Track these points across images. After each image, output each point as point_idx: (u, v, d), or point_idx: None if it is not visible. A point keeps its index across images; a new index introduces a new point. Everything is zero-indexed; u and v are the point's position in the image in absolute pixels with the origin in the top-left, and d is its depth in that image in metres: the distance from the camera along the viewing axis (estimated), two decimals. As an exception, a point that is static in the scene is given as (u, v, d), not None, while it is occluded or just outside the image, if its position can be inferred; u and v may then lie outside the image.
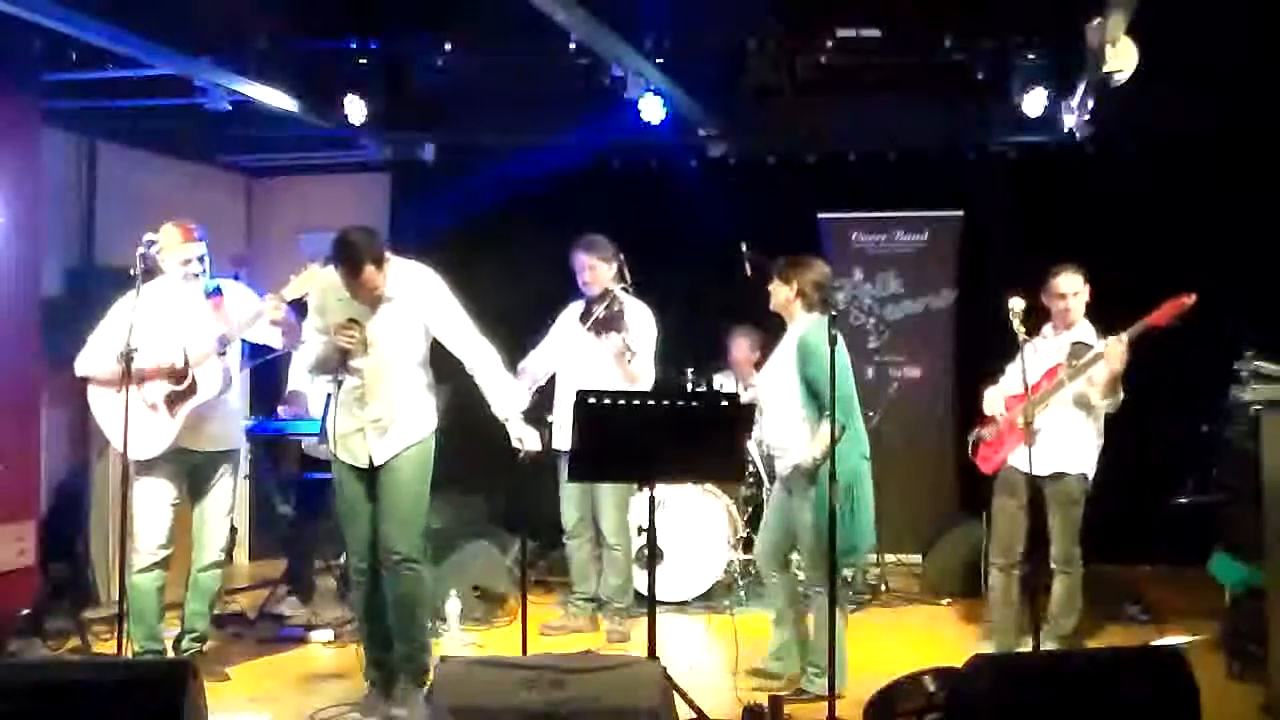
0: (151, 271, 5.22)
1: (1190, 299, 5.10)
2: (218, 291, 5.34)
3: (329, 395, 6.19)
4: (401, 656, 4.93)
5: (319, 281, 4.96)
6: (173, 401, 5.19)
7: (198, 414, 5.23)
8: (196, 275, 5.28)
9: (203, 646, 5.44)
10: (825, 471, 4.69)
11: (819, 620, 5.03)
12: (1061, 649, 5.31)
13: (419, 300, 4.88)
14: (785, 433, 5.05)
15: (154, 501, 5.23)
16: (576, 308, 6.34)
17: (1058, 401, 5.37)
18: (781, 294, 5.14)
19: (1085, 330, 5.50)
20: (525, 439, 4.90)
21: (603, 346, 6.07)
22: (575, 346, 6.19)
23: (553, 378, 6.34)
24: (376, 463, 4.86)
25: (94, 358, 5.23)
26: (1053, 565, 5.42)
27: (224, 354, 5.25)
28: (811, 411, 4.96)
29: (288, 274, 5.13)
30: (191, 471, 5.37)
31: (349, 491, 4.94)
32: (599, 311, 6.07)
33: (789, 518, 5.14)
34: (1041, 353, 5.48)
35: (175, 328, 5.20)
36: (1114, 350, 5.17)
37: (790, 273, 5.11)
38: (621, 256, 6.19)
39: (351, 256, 4.69)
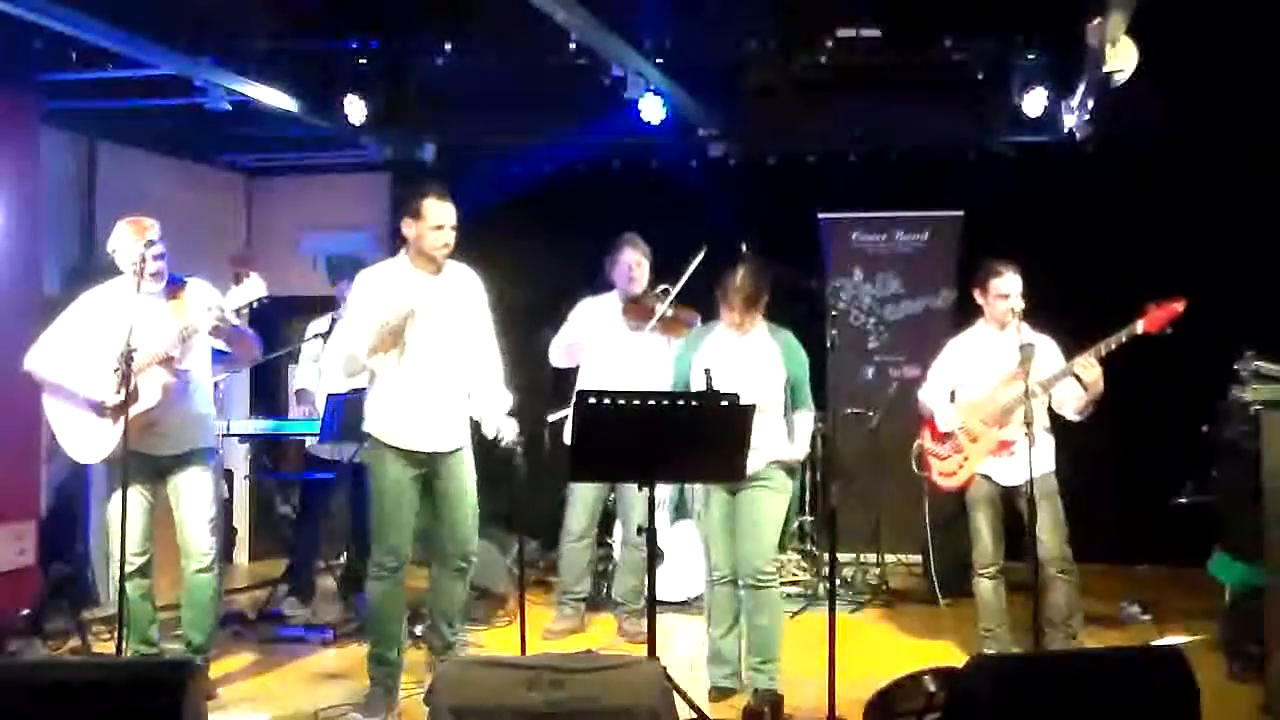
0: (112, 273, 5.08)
1: (1180, 306, 5.05)
2: (180, 282, 5.15)
3: (330, 395, 6.23)
4: (453, 644, 5.19)
5: (259, 290, 4.99)
6: (115, 408, 4.91)
7: (148, 419, 4.98)
8: (157, 273, 5.02)
9: (200, 659, 5.13)
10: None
11: (773, 613, 5.07)
12: (1061, 649, 5.30)
13: (471, 295, 5.08)
14: (757, 433, 4.87)
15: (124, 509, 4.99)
16: (606, 303, 6.25)
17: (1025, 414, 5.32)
18: (760, 310, 5.10)
19: (1024, 329, 5.45)
20: (504, 429, 5.03)
21: (675, 344, 5.92)
22: (619, 344, 6.08)
23: (571, 372, 6.31)
24: (442, 449, 4.95)
25: (44, 354, 5.07)
26: (1050, 569, 5.31)
27: (173, 359, 5.00)
28: (788, 410, 5.09)
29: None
30: (161, 475, 5.17)
31: (401, 479, 4.90)
32: (665, 310, 5.93)
33: (740, 523, 5.08)
34: (982, 353, 5.45)
35: (123, 333, 4.87)
36: (1092, 375, 5.13)
37: (761, 294, 5.07)
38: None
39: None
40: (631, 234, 6.25)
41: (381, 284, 4.94)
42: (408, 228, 4.98)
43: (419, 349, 4.88)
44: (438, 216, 4.93)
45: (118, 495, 4.96)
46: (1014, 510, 5.38)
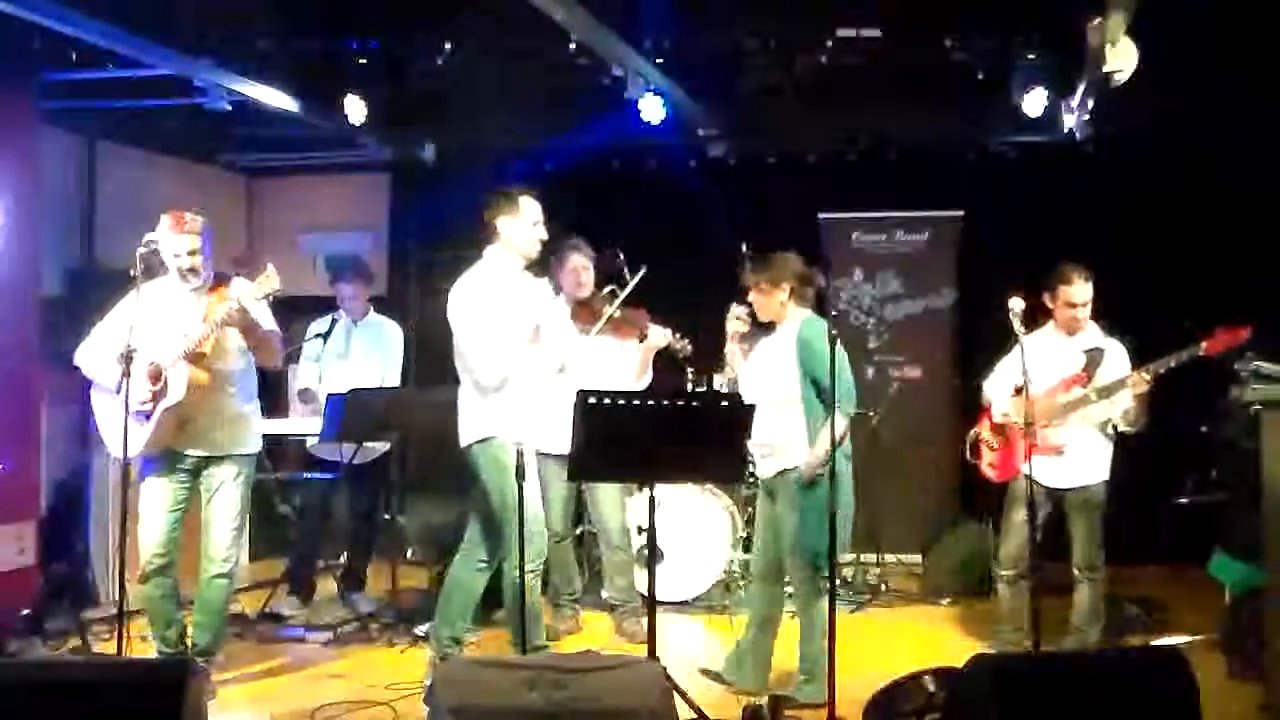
0: (152, 270, 5.03)
1: (1246, 333, 4.98)
2: (226, 279, 5.11)
3: (330, 395, 6.22)
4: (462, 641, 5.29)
5: (275, 282, 4.91)
6: (149, 402, 4.92)
7: (178, 416, 4.98)
8: (192, 269, 4.98)
9: (205, 661, 5.09)
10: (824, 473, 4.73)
11: (804, 626, 4.99)
12: (1060, 649, 5.30)
13: None
14: (777, 432, 4.94)
15: (149, 507, 5.01)
16: (554, 307, 6.27)
17: (1082, 419, 5.32)
18: (775, 300, 5.04)
19: (1094, 333, 5.46)
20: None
21: (627, 346, 6.01)
22: (569, 348, 6.10)
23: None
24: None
25: (93, 351, 5.05)
26: (1076, 571, 5.35)
27: (203, 355, 4.92)
28: (813, 410, 4.89)
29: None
30: (194, 476, 5.13)
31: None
32: (613, 311, 5.87)
33: (778, 526, 5.05)
34: (1048, 355, 5.44)
35: (162, 327, 4.94)
36: (1141, 389, 5.13)
37: (777, 276, 5.01)
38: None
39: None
40: (577, 239, 6.19)
41: (505, 288, 4.96)
42: (505, 226, 5.00)
43: (529, 351, 5.00)
44: (535, 213, 5.01)
45: (145, 489, 4.96)
46: (1058, 511, 5.41)
